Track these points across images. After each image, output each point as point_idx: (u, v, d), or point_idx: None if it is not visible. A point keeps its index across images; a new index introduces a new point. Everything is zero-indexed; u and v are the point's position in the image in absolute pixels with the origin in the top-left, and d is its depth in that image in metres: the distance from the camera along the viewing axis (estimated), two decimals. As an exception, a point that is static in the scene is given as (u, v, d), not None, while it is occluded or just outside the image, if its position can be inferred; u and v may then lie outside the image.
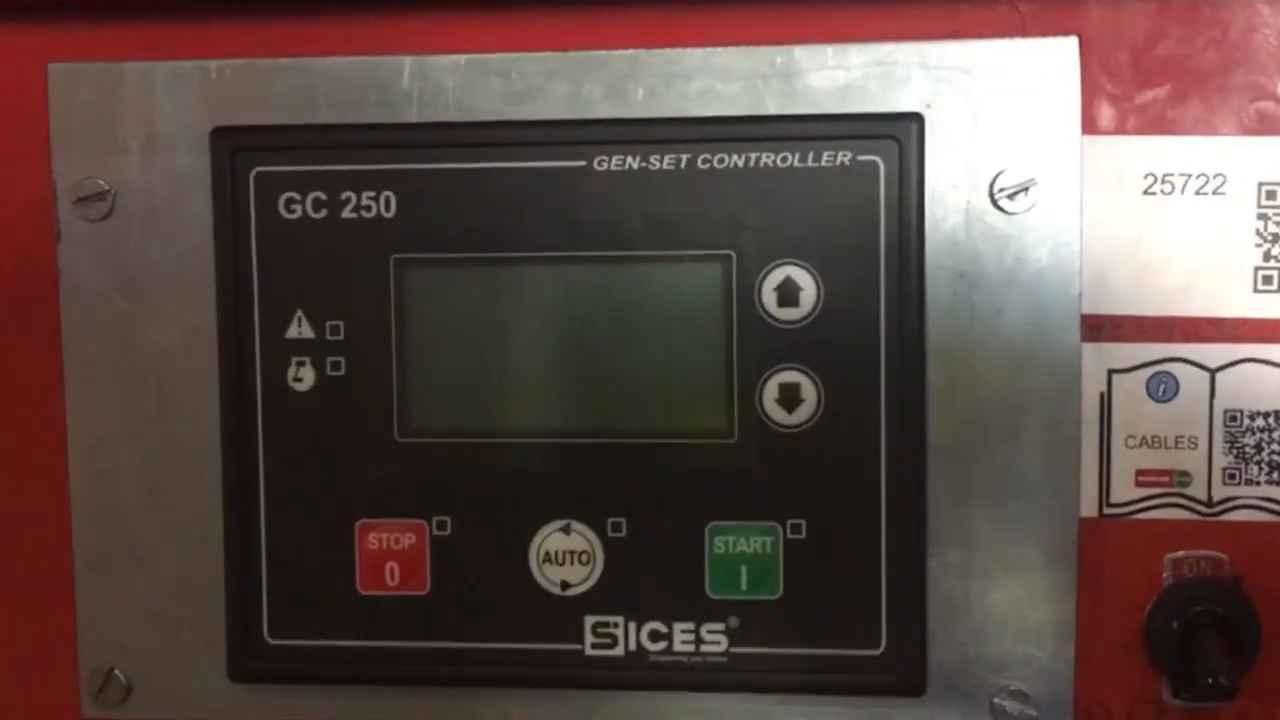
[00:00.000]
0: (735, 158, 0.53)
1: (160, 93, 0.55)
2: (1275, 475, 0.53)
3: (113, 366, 0.56)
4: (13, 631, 0.58)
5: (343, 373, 0.55)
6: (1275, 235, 0.52)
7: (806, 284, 0.53)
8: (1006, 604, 0.53)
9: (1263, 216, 0.52)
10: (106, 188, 0.55)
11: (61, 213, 0.55)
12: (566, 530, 0.54)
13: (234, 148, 0.54)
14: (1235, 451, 0.53)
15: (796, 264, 0.53)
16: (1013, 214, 0.52)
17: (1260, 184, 0.52)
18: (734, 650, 0.54)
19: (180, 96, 0.55)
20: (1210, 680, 0.50)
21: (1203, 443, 0.53)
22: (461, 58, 0.54)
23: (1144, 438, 0.54)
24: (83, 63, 0.55)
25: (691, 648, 0.54)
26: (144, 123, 0.55)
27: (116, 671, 0.57)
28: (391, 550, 0.55)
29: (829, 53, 0.53)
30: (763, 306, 0.53)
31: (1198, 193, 0.53)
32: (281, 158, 0.54)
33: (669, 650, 0.54)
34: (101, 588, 0.57)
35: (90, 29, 0.56)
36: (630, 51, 0.53)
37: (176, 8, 0.55)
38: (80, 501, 0.56)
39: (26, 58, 0.56)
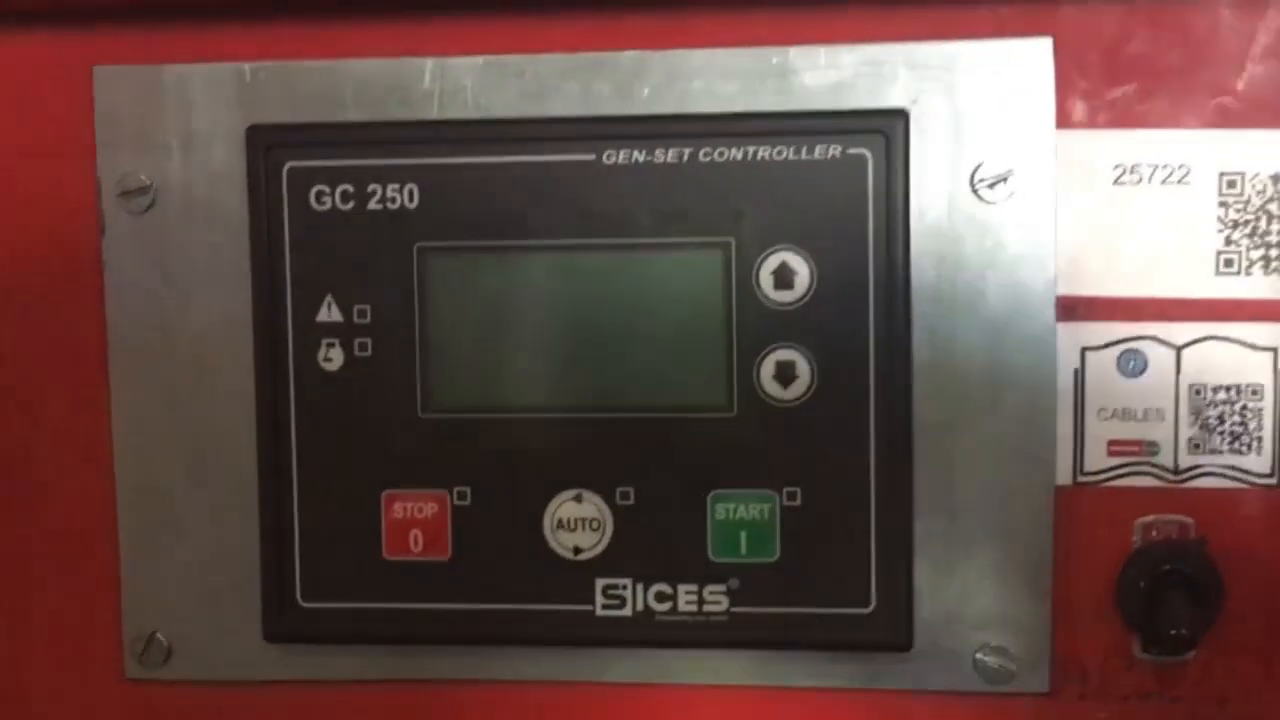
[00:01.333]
0: (734, 151, 0.54)
1: (198, 93, 0.56)
2: (1236, 444, 0.55)
3: (154, 350, 0.57)
4: (62, 598, 0.60)
5: (369, 354, 0.56)
6: (1235, 221, 0.54)
7: (801, 268, 0.54)
8: (988, 566, 0.55)
9: (1224, 204, 0.54)
10: (148, 182, 0.57)
11: (106, 206, 0.57)
12: (578, 499, 0.56)
13: (268, 144, 0.55)
14: (1200, 423, 0.55)
15: (791, 250, 0.54)
16: (992, 203, 0.54)
17: (1221, 174, 0.54)
18: (734, 610, 0.56)
19: (216, 97, 0.56)
20: (1173, 631, 0.52)
21: (1169, 415, 0.55)
22: (480, 59, 0.55)
23: (1115, 410, 0.55)
24: (126, 66, 0.57)
25: (695, 608, 0.56)
26: (183, 121, 0.56)
27: (158, 635, 0.58)
28: (415, 519, 0.57)
29: (821, 53, 0.54)
30: (760, 289, 0.55)
31: (1164, 182, 0.54)
32: (312, 153, 0.55)
33: (674, 610, 0.56)
34: (144, 557, 0.58)
35: (132, 34, 0.57)
36: (637, 53, 0.55)
37: (213, 14, 0.57)
38: (124, 476, 0.58)
39: (73, 61, 0.57)
